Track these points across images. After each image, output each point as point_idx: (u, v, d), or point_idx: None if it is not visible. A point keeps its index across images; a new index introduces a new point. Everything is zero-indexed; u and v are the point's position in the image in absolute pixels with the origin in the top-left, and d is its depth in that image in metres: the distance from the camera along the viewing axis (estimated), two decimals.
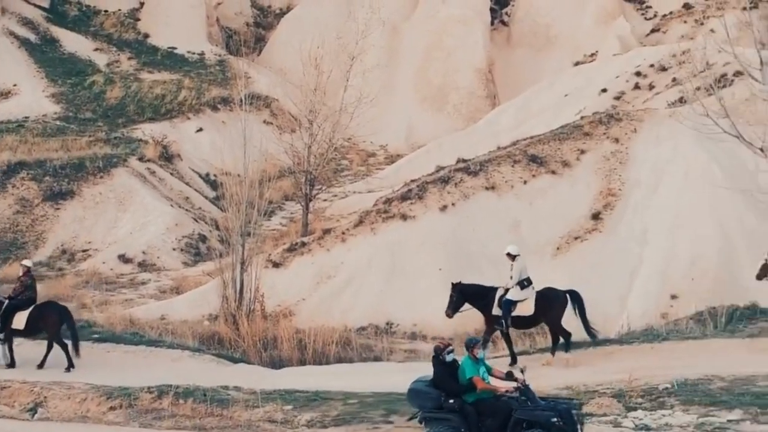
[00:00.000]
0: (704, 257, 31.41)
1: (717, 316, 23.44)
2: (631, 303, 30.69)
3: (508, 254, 21.88)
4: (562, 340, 21.58)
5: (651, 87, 47.45)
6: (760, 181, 28.78)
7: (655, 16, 63.63)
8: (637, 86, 48.14)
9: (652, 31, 62.05)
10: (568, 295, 21.85)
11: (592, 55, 59.68)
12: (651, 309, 29.52)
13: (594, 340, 22.03)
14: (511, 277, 21.63)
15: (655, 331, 23.58)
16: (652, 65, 48.85)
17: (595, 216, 34.20)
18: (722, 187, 30.99)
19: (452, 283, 22.24)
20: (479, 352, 15.38)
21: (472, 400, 15.05)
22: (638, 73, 48.92)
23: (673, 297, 30.55)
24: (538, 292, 21.73)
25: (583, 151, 36.15)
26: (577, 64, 58.44)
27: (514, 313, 21.62)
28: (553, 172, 35.64)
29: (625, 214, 33.97)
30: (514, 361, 21.44)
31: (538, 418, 14.51)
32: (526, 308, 21.60)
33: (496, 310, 21.70)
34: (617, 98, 47.45)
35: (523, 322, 22.11)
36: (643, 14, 64.35)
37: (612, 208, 34.30)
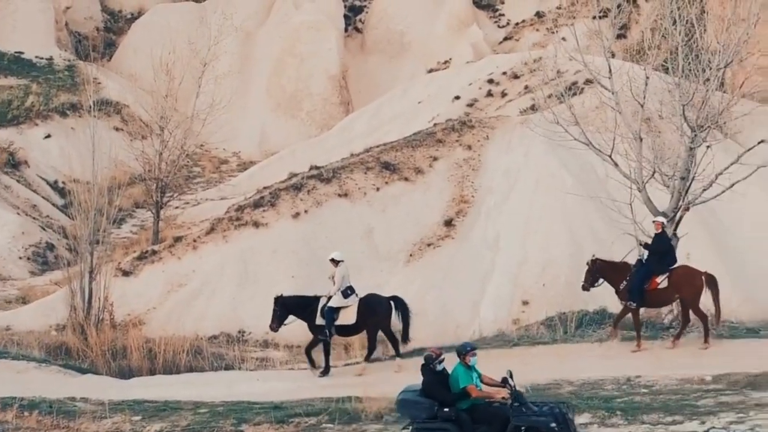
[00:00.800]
0: (555, 263, 32.10)
1: (567, 321, 24.08)
2: (484, 309, 31.15)
3: (332, 260, 21.91)
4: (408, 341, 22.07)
5: (503, 94, 48.24)
6: (609, 187, 29.54)
7: (508, 23, 64.82)
8: (489, 93, 48.86)
9: (505, 38, 63.18)
10: (392, 302, 22.04)
11: (446, 62, 60.37)
12: (503, 315, 30.05)
13: (406, 343, 22.32)
14: (334, 283, 21.70)
15: (507, 336, 24.02)
16: (504, 73, 49.66)
17: (448, 223, 34.60)
18: (572, 194, 31.69)
19: (274, 298, 22.14)
20: (471, 359, 15.01)
21: (466, 407, 14.78)
22: (491, 81, 49.65)
23: (525, 303, 31.13)
24: (360, 299, 21.79)
25: (435, 158, 36.54)
26: (430, 71, 58.99)
27: (338, 322, 21.65)
28: (406, 179, 35.92)
29: (478, 221, 34.45)
30: (326, 372, 21.81)
31: (537, 424, 14.38)
32: (349, 316, 21.63)
33: (319, 320, 21.65)
34: (470, 105, 48.03)
35: (347, 331, 22.17)
36: (496, 22, 65.48)
37: (464, 214, 34.74)
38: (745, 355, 20.38)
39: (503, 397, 14.57)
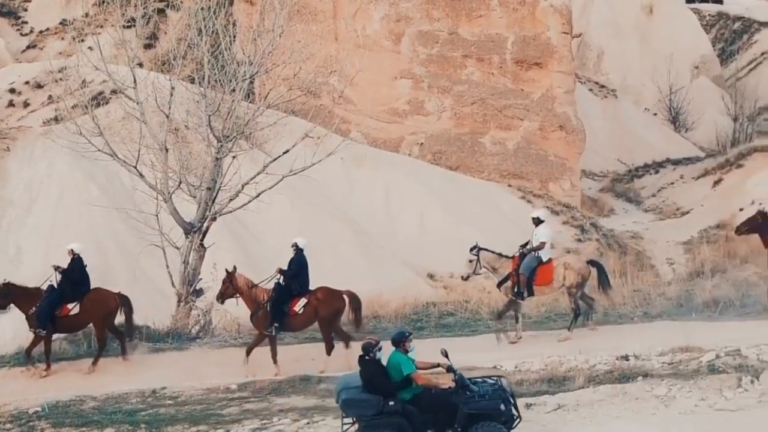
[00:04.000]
0: None
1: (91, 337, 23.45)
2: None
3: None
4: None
5: (26, 104, 46.50)
6: (136, 198, 29.34)
7: (31, 32, 62.64)
8: (11, 103, 46.89)
9: (29, 47, 61.08)
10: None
11: None
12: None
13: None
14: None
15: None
16: (27, 82, 47.88)
17: None
18: (98, 206, 31.13)
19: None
20: (410, 346, 14.21)
21: (409, 398, 13.99)
22: (12, 90, 47.70)
23: None
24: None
25: None
26: None
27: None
28: None
29: None
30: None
31: (488, 409, 13.89)
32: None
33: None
34: None
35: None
36: (18, 30, 63.06)
37: None
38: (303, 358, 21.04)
39: (450, 387, 14.06)
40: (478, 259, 21.96)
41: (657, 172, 57.02)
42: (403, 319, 24.03)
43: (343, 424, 14.43)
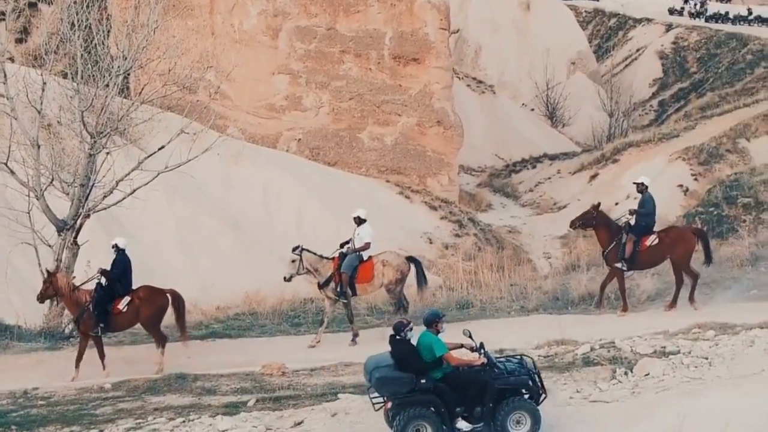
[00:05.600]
0: None
1: None
2: None
3: None
4: None
5: None
6: (7, 196, 28.87)
7: None
8: None
9: None
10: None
11: None
12: None
13: None
14: None
15: None
16: None
17: None
18: None
19: None
20: (442, 327, 14.60)
21: (440, 376, 14.40)
22: None
23: None
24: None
25: None
26: None
27: None
28: None
29: None
30: None
31: (517, 384, 14.55)
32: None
33: None
34: None
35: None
36: None
37: None
38: (145, 360, 21.02)
39: (481, 363, 14.53)
40: (301, 260, 22.04)
41: (534, 167, 58.26)
42: (281, 316, 24.28)
43: (373, 402, 14.85)
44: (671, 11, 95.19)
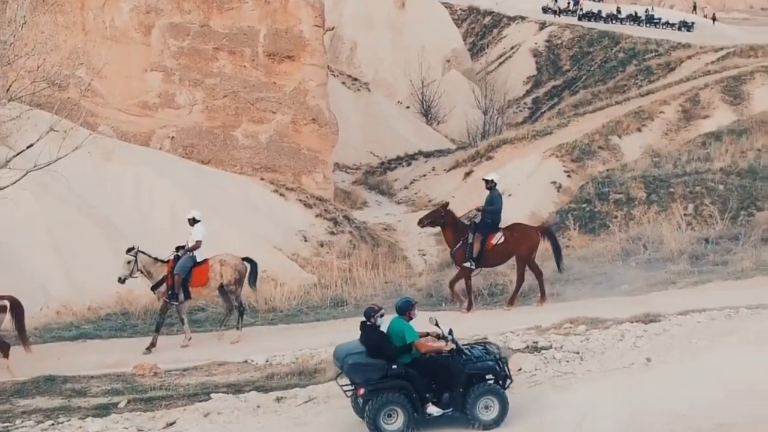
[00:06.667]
0: None
1: None
2: None
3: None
4: None
5: None
6: None
7: None
8: None
9: None
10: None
11: None
12: None
13: None
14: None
15: None
16: None
17: None
18: None
19: None
20: (414, 314, 15.12)
21: (409, 362, 14.81)
22: None
23: None
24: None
25: None
26: None
27: None
28: None
29: None
30: None
31: (485, 369, 15.04)
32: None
33: None
34: None
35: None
36: None
37: None
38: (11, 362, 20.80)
39: (451, 350, 15.02)
40: (136, 261, 22.00)
41: (409, 164, 58.95)
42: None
43: (344, 390, 15.23)
44: (545, 9, 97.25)
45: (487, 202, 23.50)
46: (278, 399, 17.01)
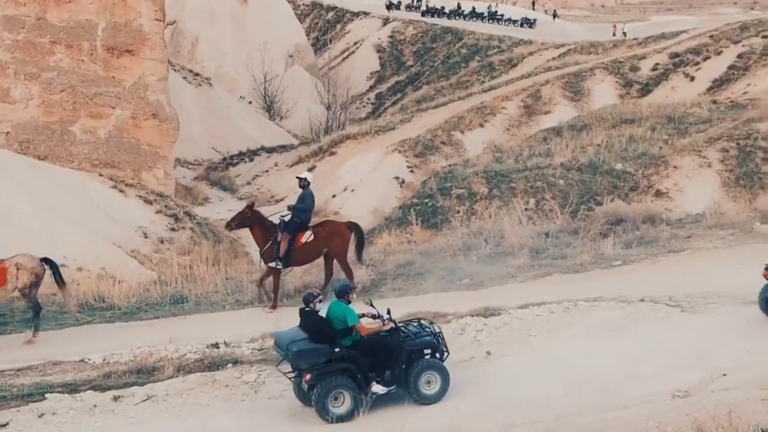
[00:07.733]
0: None
1: None
2: None
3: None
4: None
5: None
6: None
7: None
8: None
9: None
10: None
11: None
12: None
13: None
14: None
15: None
16: None
17: None
18: None
19: None
20: (353, 297, 15.82)
21: (350, 344, 15.29)
22: None
23: None
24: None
25: None
26: None
27: None
28: None
29: None
30: None
31: (425, 345, 15.76)
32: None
33: None
34: None
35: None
36: None
37: None
38: None
39: (390, 328, 15.66)
40: None
41: (251, 159, 59.04)
42: None
43: (288, 377, 15.73)
44: (388, 6, 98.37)
45: (298, 200, 23.75)
46: (115, 398, 16.92)
